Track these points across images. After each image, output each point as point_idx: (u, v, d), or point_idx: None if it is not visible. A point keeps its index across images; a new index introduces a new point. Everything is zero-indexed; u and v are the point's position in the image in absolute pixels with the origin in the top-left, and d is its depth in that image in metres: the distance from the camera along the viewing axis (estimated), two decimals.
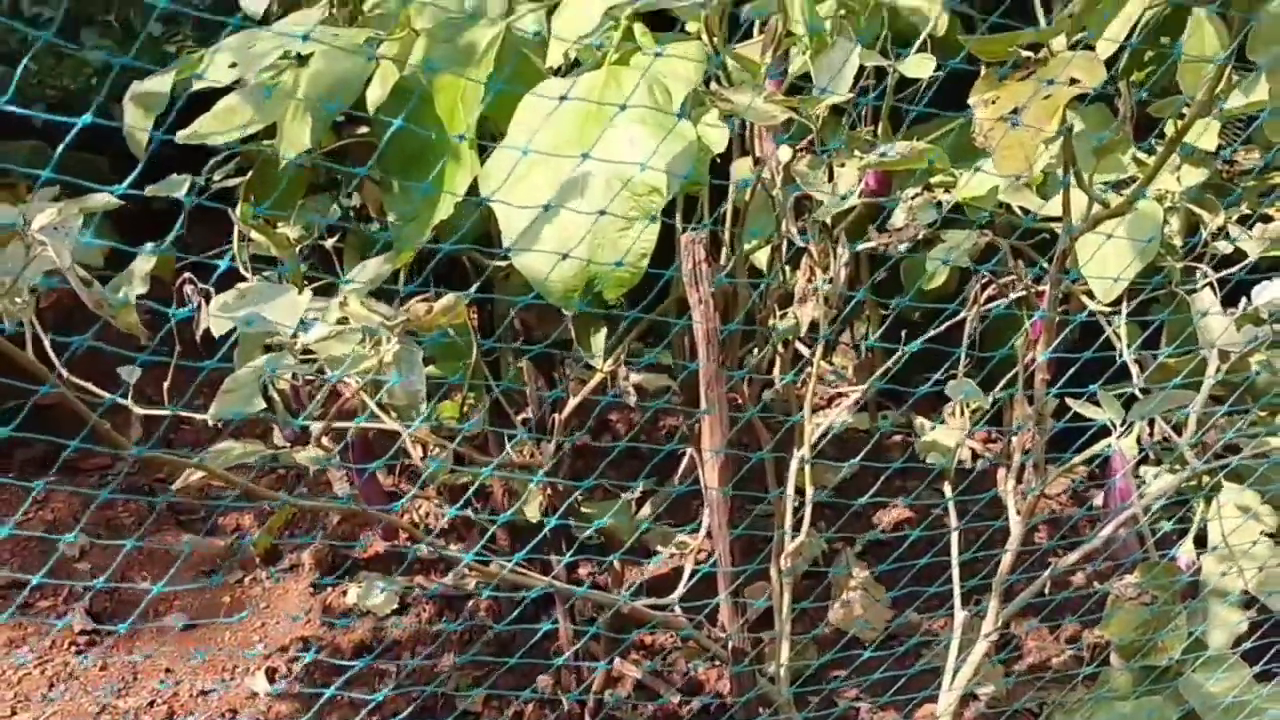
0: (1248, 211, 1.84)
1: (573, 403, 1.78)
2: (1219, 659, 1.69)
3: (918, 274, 2.25)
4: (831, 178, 1.27)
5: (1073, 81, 1.08)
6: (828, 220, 1.42)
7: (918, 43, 1.67)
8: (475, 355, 2.01)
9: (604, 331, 1.79)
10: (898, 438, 2.89)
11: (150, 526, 2.91)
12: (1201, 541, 1.85)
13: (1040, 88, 1.09)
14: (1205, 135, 1.75)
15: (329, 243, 2.27)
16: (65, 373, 1.15)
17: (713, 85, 1.37)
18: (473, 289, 1.38)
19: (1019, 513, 1.66)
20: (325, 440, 1.34)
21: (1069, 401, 1.61)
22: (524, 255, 1.49)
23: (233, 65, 1.58)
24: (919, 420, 2.82)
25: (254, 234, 1.78)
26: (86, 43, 3.43)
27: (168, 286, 1.73)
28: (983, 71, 1.73)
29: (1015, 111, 1.09)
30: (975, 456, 2.84)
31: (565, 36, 1.50)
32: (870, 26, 1.82)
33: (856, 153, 1.27)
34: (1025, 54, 1.19)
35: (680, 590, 1.57)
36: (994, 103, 1.12)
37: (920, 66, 1.62)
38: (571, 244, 1.46)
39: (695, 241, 1.36)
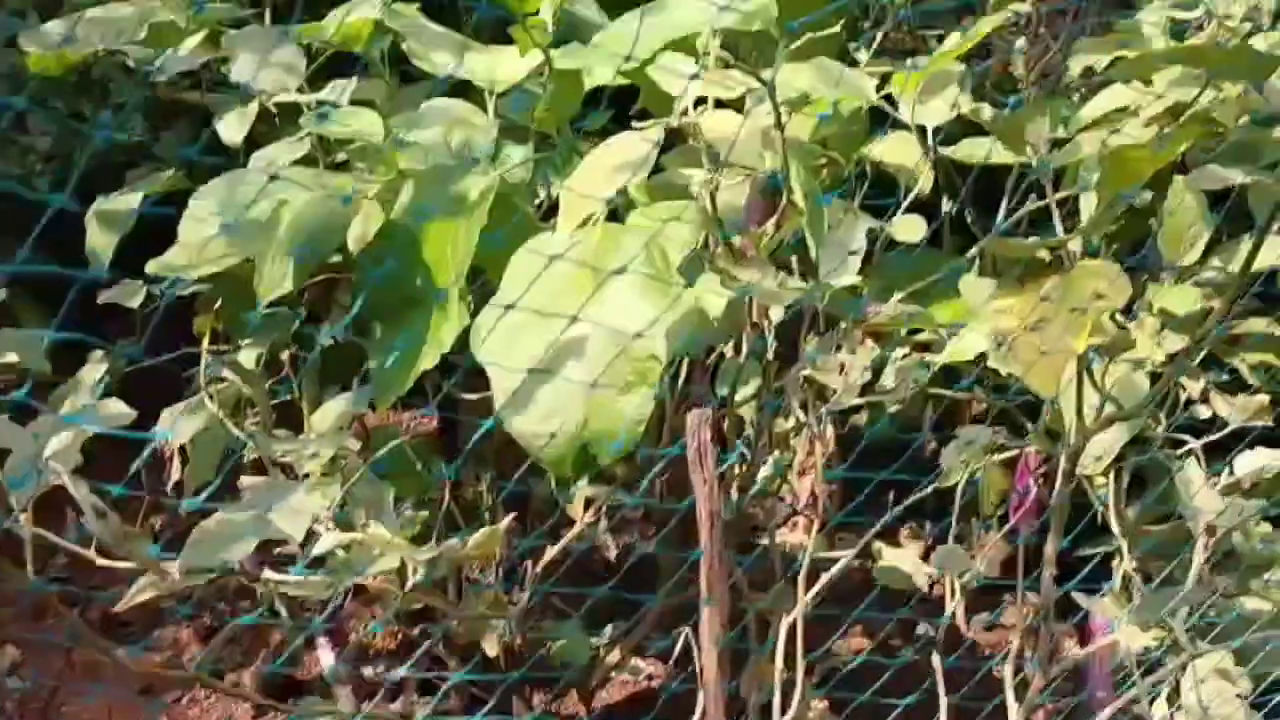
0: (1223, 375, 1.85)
1: (550, 553, 1.73)
2: None
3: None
4: (843, 370, 1.26)
5: (1099, 296, 1.08)
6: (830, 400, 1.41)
7: (905, 202, 1.68)
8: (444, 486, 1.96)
9: (585, 480, 1.75)
10: (855, 563, 2.87)
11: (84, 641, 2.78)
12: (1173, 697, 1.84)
13: (1064, 300, 1.09)
14: (1184, 299, 1.75)
15: (285, 355, 2.21)
16: None
17: (717, 257, 1.35)
18: (505, 521, 1.33)
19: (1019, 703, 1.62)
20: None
21: (1076, 597, 1.60)
22: (516, 419, 1.45)
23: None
24: (876, 544, 2.79)
25: (225, 372, 1.72)
26: (33, 129, 3.34)
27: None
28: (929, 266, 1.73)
29: (1040, 321, 1.08)
30: (934, 583, 2.83)
31: (576, 202, 1.47)
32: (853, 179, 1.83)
33: (868, 342, 1.25)
34: (1041, 254, 1.19)
35: None
36: (1015, 310, 1.12)
37: (911, 229, 1.62)
38: (565, 408, 1.43)
39: (703, 421, 1.33)
